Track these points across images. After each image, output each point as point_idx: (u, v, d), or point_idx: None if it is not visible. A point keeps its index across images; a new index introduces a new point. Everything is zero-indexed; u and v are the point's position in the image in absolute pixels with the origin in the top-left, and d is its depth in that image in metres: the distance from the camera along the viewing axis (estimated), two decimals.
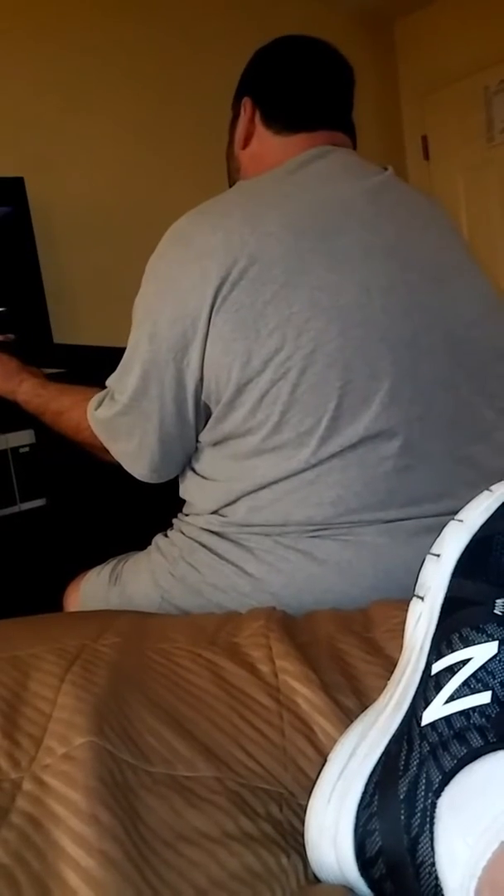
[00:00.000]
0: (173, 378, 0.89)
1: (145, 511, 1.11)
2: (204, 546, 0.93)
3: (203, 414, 0.93)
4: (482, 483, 0.89)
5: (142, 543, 1.06)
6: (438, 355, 0.89)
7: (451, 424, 0.89)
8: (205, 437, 0.94)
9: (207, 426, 0.92)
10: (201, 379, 0.89)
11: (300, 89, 1.02)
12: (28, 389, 1.13)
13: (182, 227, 0.92)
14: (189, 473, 1.00)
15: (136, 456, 0.96)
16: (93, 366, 1.04)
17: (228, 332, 0.85)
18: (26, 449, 1.45)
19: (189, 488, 1.00)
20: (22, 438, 1.43)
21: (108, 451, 1.00)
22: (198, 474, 0.97)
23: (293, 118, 1.01)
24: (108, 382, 0.98)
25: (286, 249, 0.85)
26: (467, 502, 0.55)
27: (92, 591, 1.08)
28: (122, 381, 0.94)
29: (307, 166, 0.94)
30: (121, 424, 0.96)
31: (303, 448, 0.86)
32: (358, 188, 0.93)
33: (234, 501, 0.91)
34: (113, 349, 0.98)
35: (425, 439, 0.87)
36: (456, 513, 0.55)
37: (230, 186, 1.09)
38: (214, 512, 0.94)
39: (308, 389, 0.84)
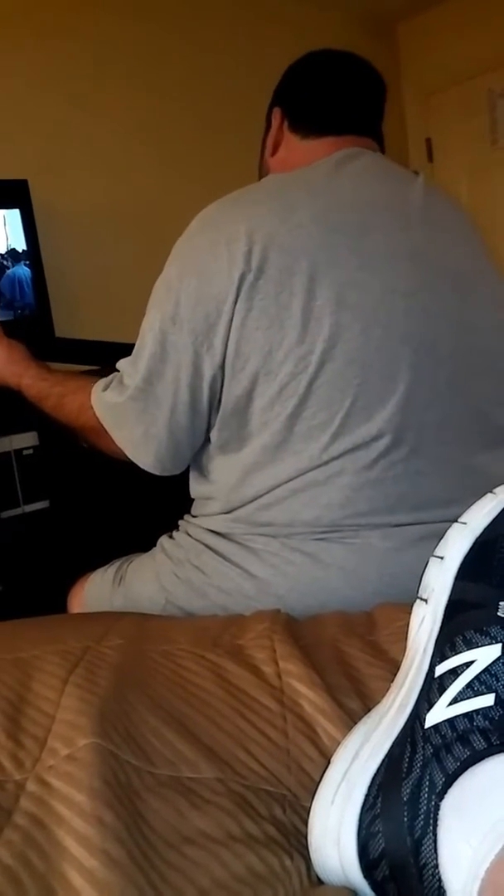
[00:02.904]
0: (191, 363, 0.88)
1: (149, 513, 1.11)
2: (209, 548, 0.93)
3: (216, 406, 0.91)
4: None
5: (145, 545, 1.06)
6: (457, 361, 0.89)
7: (466, 432, 0.89)
8: (217, 436, 0.92)
9: (221, 422, 0.91)
10: (221, 366, 0.87)
11: (324, 94, 1.03)
12: (34, 374, 1.11)
13: (212, 213, 0.92)
14: (198, 477, 0.99)
15: (142, 444, 0.93)
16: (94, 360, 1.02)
17: (252, 320, 0.84)
18: (30, 451, 1.46)
19: (198, 489, 0.99)
20: (26, 440, 1.43)
21: (104, 437, 0.96)
22: (208, 480, 0.97)
23: (318, 121, 1.02)
24: (119, 365, 0.96)
25: (316, 243, 0.85)
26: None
27: (96, 592, 1.08)
28: (135, 363, 0.91)
29: (342, 168, 0.94)
30: (129, 410, 0.92)
31: (312, 442, 0.85)
32: (389, 190, 0.94)
33: (244, 505, 0.91)
34: (116, 344, 0.96)
35: (438, 445, 0.87)
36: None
37: None
38: (223, 512, 0.94)
39: (325, 383, 0.84)
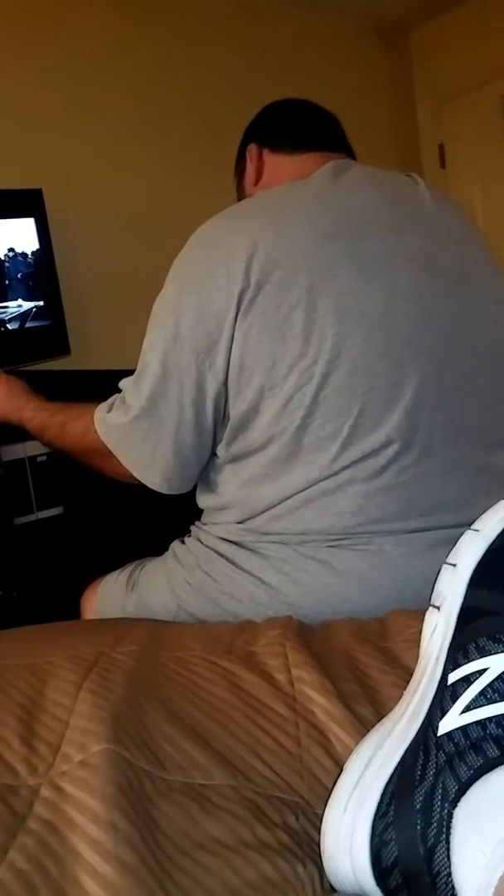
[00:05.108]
0: (194, 381, 0.88)
1: (162, 519, 1.11)
2: (221, 555, 0.93)
3: (221, 422, 0.91)
4: (502, 492, 0.89)
5: (158, 550, 1.06)
6: (462, 361, 0.89)
7: (473, 432, 0.89)
8: (224, 451, 0.92)
9: (229, 436, 0.91)
10: (225, 383, 0.87)
11: (300, 118, 1.08)
12: (34, 406, 1.12)
13: (208, 230, 0.92)
14: (207, 491, 0.98)
15: (149, 464, 0.93)
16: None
17: (254, 335, 0.84)
18: (43, 458, 1.46)
19: (207, 502, 0.99)
20: (39, 447, 1.44)
21: (110, 459, 0.95)
22: (216, 493, 0.96)
23: (299, 139, 1.04)
24: (122, 385, 0.96)
25: (312, 254, 0.85)
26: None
27: (109, 596, 1.07)
28: (138, 383, 0.91)
29: (337, 177, 0.94)
30: (134, 430, 0.92)
31: (321, 453, 0.85)
32: (381, 196, 0.94)
33: (255, 516, 0.91)
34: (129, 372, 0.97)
35: (447, 447, 0.87)
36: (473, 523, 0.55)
37: None
38: (233, 522, 0.94)
39: (331, 393, 0.84)
